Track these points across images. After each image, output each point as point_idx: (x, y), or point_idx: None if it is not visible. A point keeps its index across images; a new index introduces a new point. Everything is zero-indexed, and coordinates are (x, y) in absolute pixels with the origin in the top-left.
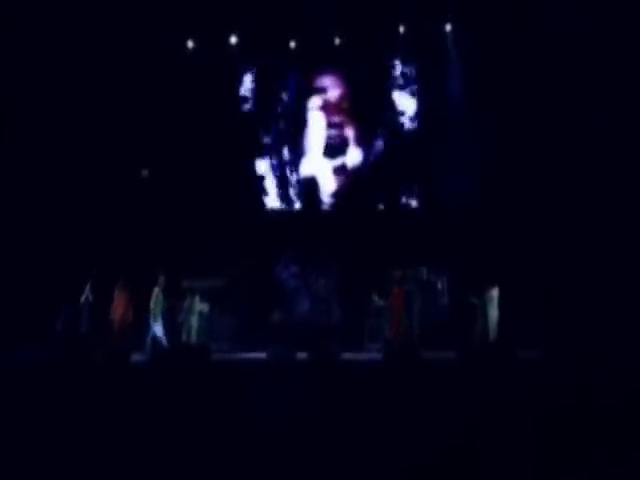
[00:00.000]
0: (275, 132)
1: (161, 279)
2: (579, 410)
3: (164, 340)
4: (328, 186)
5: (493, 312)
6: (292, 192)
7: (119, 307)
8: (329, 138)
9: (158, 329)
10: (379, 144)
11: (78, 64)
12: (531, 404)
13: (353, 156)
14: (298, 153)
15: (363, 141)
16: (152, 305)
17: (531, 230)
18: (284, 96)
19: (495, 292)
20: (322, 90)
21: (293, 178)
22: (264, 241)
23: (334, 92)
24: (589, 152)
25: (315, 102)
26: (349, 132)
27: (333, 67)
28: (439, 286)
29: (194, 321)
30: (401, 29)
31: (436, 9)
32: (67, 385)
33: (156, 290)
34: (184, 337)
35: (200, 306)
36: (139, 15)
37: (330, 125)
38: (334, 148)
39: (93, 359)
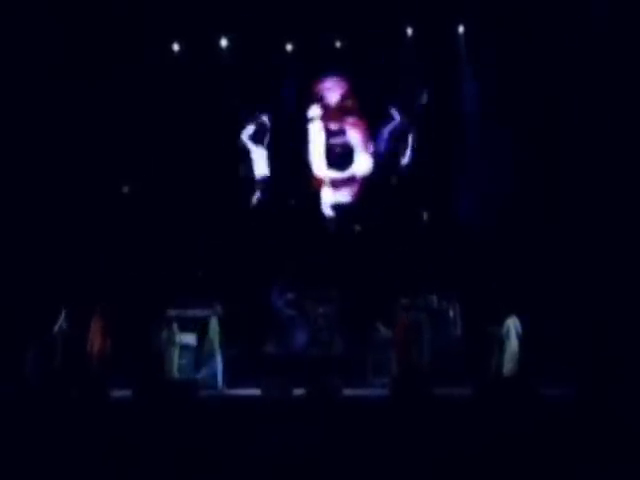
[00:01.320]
0: (271, 144)
1: (218, 307)
2: (605, 456)
3: (220, 377)
4: (333, 200)
5: (511, 343)
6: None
7: (97, 337)
8: (332, 147)
9: (218, 364)
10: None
11: (54, 71)
12: (552, 447)
13: (362, 164)
14: (300, 166)
15: (372, 143)
16: (211, 336)
17: (557, 251)
18: (281, 104)
19: (512, 321)
20: (321, 96)
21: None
22: (257, 265)
23: (335, 95)
24: (617, 167)
25: (315, 111)
26: (354, 138)
27: (333, 69)
28: (451, 315)
29: (175, 354)
30: (409, 31)
31: (447, 9)
32: (39, 425)
33: (213, 320)
34: (167, 372)
35: (185, 338)
36: (117, 15)
37: (332, 133)
38: (338, 158)
39: (68, 396)
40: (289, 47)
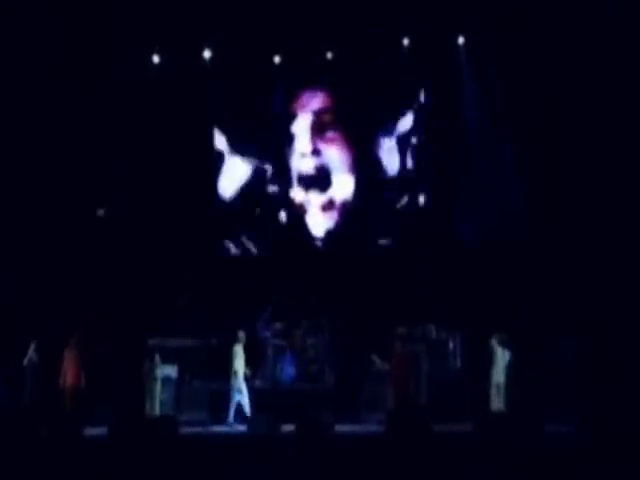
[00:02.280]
0: (255, 161)
1: (242, 335)
2: None
3: (247, 408)
4: (318, 224)
5: (500, 377)
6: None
7: (70, 371)
8: (309, 168)
9: (244, 394)
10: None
11: (27, 85)
12: None
13: (342, 186)
14: (283, 186)
15: (356, 165)
16: (236, 367)
17: (561, 275)
18: (266, 119)
19: (500, 353)
20: (295, 114)
21: (280, 216)
22: (242, 292)
23: (311, 109)
24: (621, 175)
25: (301, 124)
26: (332, 156)
27: (323, 84)
28: (450, 346)
29: (156, 388)
30: (405, 42)
31: (447, 18)
32: (6, 467)
33: (237, 348)
34: (147, 408)
35: (165, 370)
36: (90, 25)
37: (305, 154)
38: (314, 180)
39: (37, 434)
40: (277, 59)
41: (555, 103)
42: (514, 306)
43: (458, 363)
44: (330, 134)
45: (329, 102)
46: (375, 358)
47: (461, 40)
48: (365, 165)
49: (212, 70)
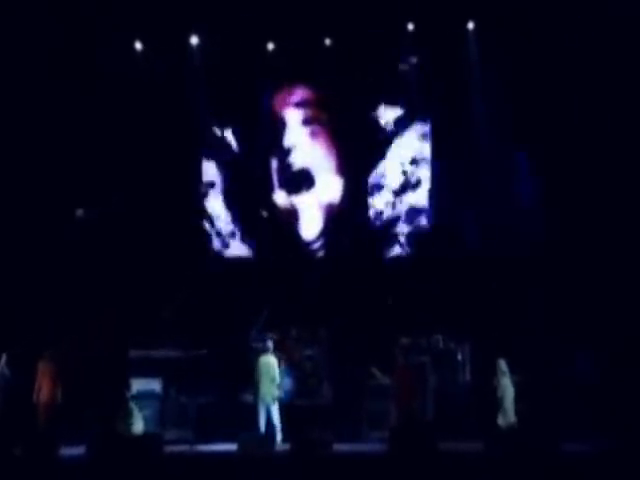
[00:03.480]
0: (243, 158)
1: (268, 340)
2: None
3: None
4: (309, 227)
5: (507, 392)
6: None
7: (45, 385)
8: (287, 167)
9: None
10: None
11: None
12: None
13: (327, 187)
14: (268, 186)
15: (346, 167)
16: (265, 377)
17: (583, 290)
18: (256, 112)
19: (502, 366)
20: (300, 104)
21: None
22: (230, 298)
23: (293, 104)
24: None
25: (293, 118)
26: (315, 153)
27: (317, 78)
28: (459, 358)
29: (136, 424)
30: (410, 26)
31: (455, 2)
32: None
33: (272, 359)
34: (127, 424)
35: (149, 383)
36: (68, 10)
37: (285, 151)
38: (296, 180)
39: (10, 455)
40: (270, 46)
41: (573, 97)
42: (527, 315)
43: (467, 376)
44: (316, 129)
45: (318, 97)
46: (376, 371)
47: (471, 26)
48: (356, 165)
49: (199, 58)
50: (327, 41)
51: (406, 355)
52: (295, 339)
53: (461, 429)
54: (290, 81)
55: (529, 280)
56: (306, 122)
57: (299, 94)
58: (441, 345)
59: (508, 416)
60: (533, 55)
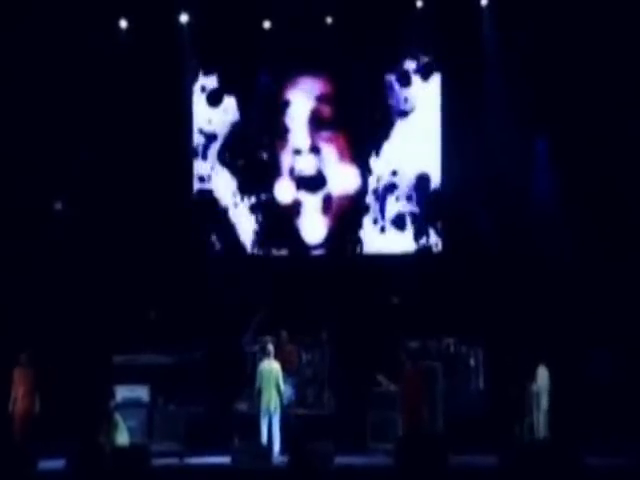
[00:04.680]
0: (234, 149)
1: (269, 343)
2: None
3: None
4: (315, 229)
5: (542, 400)
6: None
7: (21, 393)
8: (300, 168)
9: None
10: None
11: None
12: None
13: (340, 181)
14: (268, 180)
15: (357, 157)
16: (266, 385)
17: (605, 285)
18: (251, 98)
19: (543, 372)
20: (289, 101)
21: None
22: (224, 298)
23: (308, 99)
24: None
25: (295, 114)
26: (328, 155)
27: (319, 60)
28: (472, 363)
29: (122, 437)
30: (419, 3)
31: None
32: None
33: (273, 365)
34: (111, 436)
35: (135, 391)
36: None
37: (299, 151)
38: (308, 179)
39: None
40: (266, 24)
41: (596, 79)
42: (543, 315)
43: (481, 383)
44: (329, 133)
45: (329, 89)
46: (382, 378)
47: (484, 1)
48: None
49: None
50: (328, 20)
51: (414, 360)
52: (294, 343)
53: (474, 441)
54: (291, 65)
55: (548, 278)
56: (319, 126)
57: (309, 84)
58: (452, 349)
59: (538, 429)
60: (552, 30)
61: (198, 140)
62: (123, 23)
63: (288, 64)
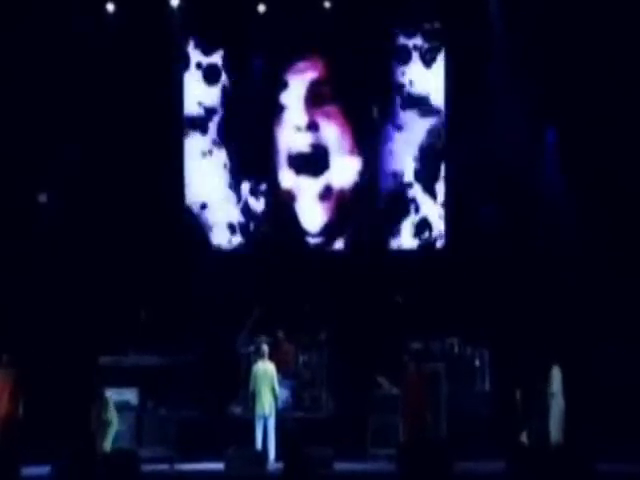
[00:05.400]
0: (227, 138)
1: (263, 344)
2: None
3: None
4: (312, 216)
5: (556, 403)
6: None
7: (3, 398)
8: (301, 146)
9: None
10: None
11: None
12: None
13: (341, 171)
14: (263, 168)
15: (358, 146)
16: (259, 388)
17: (617, 283)
18: (245, 84)
19: (557, 373)
20: (287, 82)
21: (258, 204)
22: (216, 296)
23: (305, 79)
24: None
25: (293, 94)
26: (330, 134)
27: (312, 44)
28: (477, 364)
29: (112, 417)
30: None
31: None
32: None
33: (269, 366)
34: (99, 441)
35: (123, 394)
36: None
37: (299, 128)
38: (309, 161)
39: None
40: (261, 8)
41: (608, 68)
42: (553, 313)
43: (486, 385)
44: (328, 107)
45: (326, 72)
46: (383, 380)
47: None
48: (371, 148)
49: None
50: (326, 4)
51: (416, 361)
52: (291, 343)
53: (479, 447)
54: (287, 49)
55: (558, 273)
56: (318, 96)
57: (307, 66)
58: (456, 350)
59: (549, 434)
60: (562, 17)
61: (198, 113)
62: (110, 7)
63: (284, 48)
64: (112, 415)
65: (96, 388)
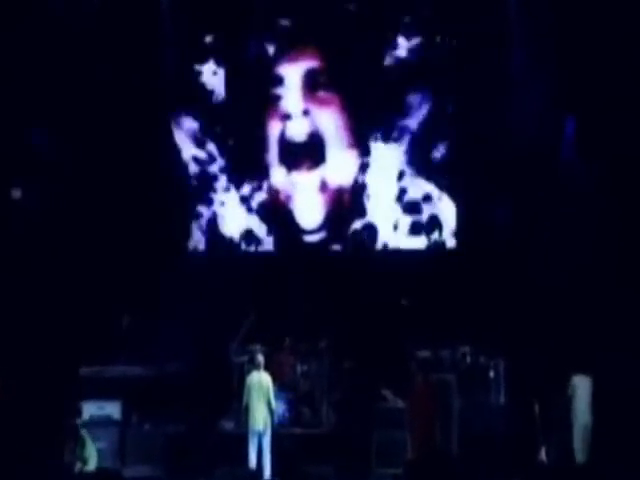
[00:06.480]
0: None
1: (258, 354)
2: None
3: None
4: (309, 213)
5: (582, 417)
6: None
7: None
8: (297, 133)
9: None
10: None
11: None
12: None
13: (338, 166)
14: (256, 162)
15: (357, 141)
16: (253, 403)
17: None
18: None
19: (584, 384)
20: (280, 75)
21: (253, 200)
22: (207, 301)
23: (299, 68)
24: None
25: (287, 83)
26: (326, 123)
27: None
28: (491, 375)
29: (90, 455)
30: None
31: None
32: None
33: (263, 376)
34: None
35: (105, 408)
36: None
37: (290, 116)
38: (302, 152)
39: None
40: None
41: (631, 54)
42: (576, 319)
43: (501, 398)
44: (324, 94)
45: (322, 62)
46: (388, 393)
47: None
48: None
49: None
50: None
51: (425, 372)
52: (288, 352)
53: (494, 466)
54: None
55: (581, 274)
56: (313, 84)
57: (302, 56)
58: (469, 359)
59: (576, 453)
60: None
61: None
62: None
63: (279, 37)
64: (90, 453)
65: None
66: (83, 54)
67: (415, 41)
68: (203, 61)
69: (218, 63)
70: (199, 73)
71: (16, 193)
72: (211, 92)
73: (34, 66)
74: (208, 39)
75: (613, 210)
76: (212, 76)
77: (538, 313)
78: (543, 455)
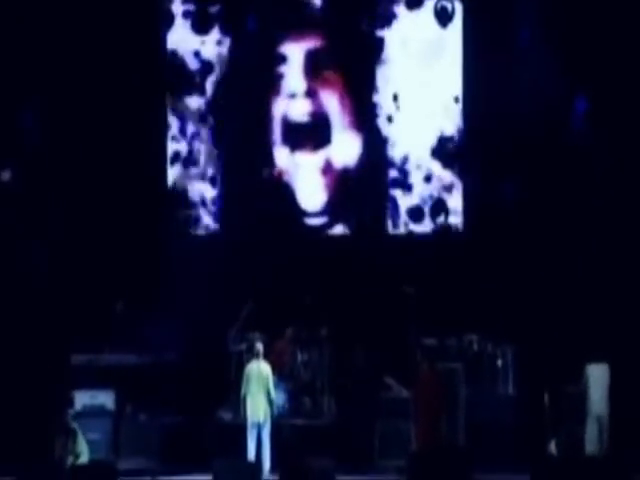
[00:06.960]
0: (218, 104)
1: (258, 342)
2: None
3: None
4: (312, 196)
5: (596, 407)
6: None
7: None
8: (301, 113)
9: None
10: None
11: None
12: None
13: (342, 147)
14: (256, 141)
15: (360, 121)
16: (254, 394)
17: None
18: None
19: (601, 373)
20: (284, 56)
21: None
22: (204, 287)
23: (301, 50)
24: None
25: (290, 62)
26: (330, 103)
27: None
28: (499, 364)
29: (81, 450)
30: None
31: None
32: None
33: (262, 366)
34: (69, 451)
35: (99, 397)
36: None
37: (295, 95)
38: (306, 133)
39: None
40: None
41: None
42: (588, 305)
43: (510, 388)
44: (327, 74)
45: (324, 44)
46: (392, 381)
47: None
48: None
49: None
50: None
51: (431, 360)
52: (288, 340)
53: (502, 457)
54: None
55: (594, 259)
56: (316, 64)
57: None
58: (476, 347)
59: (587, 444)
60: None
61: (193, 66)
62: None
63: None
64: (82, 447)
65: (64, 420)
66: (75, 28)
67: None
68: (207, 32)
69: (223, 33)
70: (203, 42)
71: (5, 175)
72: (213, 66)
73: (24, 46)
74: (213, 10)
75: (627, 188)
76: (216, 46)
77: (549, 298)
78: (553, 447)
